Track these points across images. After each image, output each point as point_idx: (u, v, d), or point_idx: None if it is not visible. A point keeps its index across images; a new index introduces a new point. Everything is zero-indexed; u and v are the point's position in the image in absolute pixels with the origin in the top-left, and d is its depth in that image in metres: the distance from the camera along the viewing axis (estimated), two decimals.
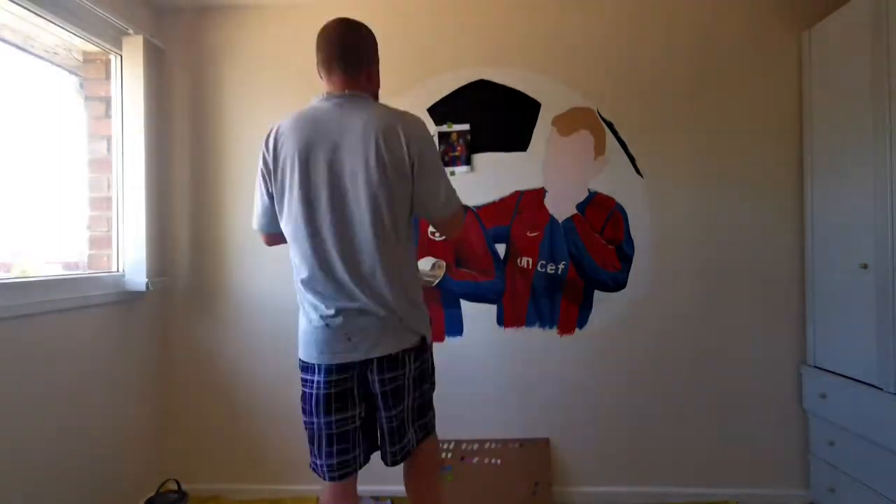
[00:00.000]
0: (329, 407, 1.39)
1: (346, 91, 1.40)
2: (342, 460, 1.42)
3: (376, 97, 1.52)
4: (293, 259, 1.44)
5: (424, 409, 1.56)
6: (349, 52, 1.42)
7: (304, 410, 1.45)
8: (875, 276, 1.80)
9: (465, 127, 2.28)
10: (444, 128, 2.29)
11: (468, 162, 2.27)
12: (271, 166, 1.40)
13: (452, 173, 2.26)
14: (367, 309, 1.37)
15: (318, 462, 1.43)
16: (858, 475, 1.90)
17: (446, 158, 2.28)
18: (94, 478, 1.97)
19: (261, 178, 1.45)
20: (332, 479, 1.42)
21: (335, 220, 1.35)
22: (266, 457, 2.34)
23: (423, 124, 1.44)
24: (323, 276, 1.38)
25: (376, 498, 2.23)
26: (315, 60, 1.46)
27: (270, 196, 1.44)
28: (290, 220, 1.40)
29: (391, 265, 1.38)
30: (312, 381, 1.42)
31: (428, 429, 1.58)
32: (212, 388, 2.36)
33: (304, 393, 1.46)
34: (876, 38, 1.78)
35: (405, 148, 1.35)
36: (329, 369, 1.39)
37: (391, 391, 1.43)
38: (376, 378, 1.41)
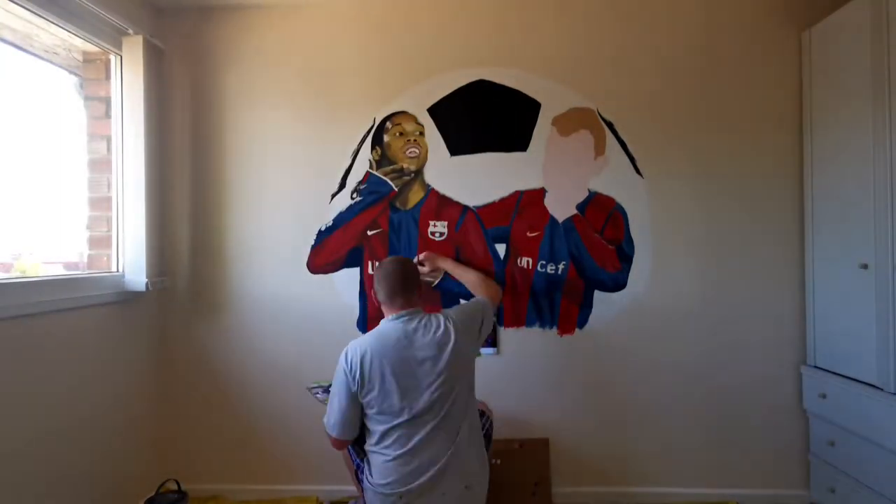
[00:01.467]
0: None
1: (407, 309, 1.75)
2: None
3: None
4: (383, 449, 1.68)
5: None
6: (406, 281, 1.78)
7: None
8: (875, 277, 1.80)
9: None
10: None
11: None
12: (359, 383, 1.66)
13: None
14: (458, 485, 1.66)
15: None
16: (859, 475, 1.90)
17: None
18: (94, 478, 1.97)
19: (346, 393, 1.68)
20: None
21: (432, 414, 1.65)
22: (266, 457, 2.34)
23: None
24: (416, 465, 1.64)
25: None
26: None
27: (357, 407, 1.69)
28: (389, 420, 1.65)
29: (478, 443, 1.74)
30: None
31: None
32: (212, 388, 2.36)
33: None
34: (876, 38, 1.78)
35: (467, 345, 1.76)
36: None
37: None
38: None
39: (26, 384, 1.69)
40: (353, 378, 1.66)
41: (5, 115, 1.92)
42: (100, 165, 2.21)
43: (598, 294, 2.27)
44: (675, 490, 2.25)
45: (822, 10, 2.11)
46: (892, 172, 1.73)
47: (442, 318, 1.76)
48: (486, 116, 2.28)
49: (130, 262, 2.17)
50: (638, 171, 2.26)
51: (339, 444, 1.75)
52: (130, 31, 2.14)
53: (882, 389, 1.79)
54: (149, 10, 2.30)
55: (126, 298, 2.16)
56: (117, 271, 2.19)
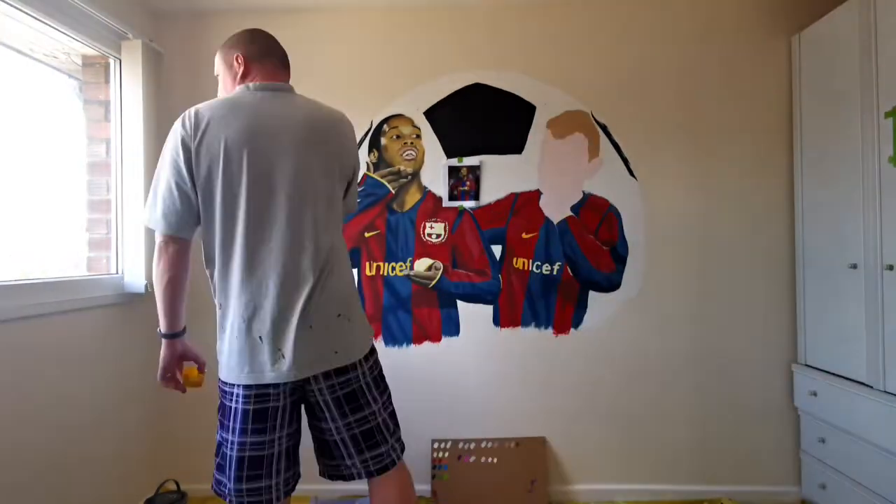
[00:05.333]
0: (246, 427, 1.23)
1: (280, 82, 1.36)
2: (253, 487, 1.24)
3: None
4: (221, 265, 1.35)
5: (395, 420, 1.41)
6: (284, 53, 1.47)
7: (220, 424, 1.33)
8: (864, 276, 1.84)
9: (476, 162, 2.30)
10: (454, 162, 2.30)
11: (476, 197, 2.30)
12: (195, 157, 1.25)
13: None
14: (319, 314, 1.25)
15: (227, 487, 1.26)
16: (849, 472, 1.93)
17: (455, 192, 2.30)
18: (94, 478, 1.99)
19: (178, 170, 1.27)
20: None
21: (286, 215, 1.24)
22: None
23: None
24: (267, 282, 1.26)
25: None
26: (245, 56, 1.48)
27: (190, 191, 1.28)
28: (225, 218, 1.28)
29: (343, 263, 1.33)
30: (232, 394, 1.28)
31: (402, 447, 1.40)
32: (211, 388, 2.36)
33: (223, 405, 1.33)
34: (864, 43, 1.81)
35: (351, 149, 1.39)
36: (250, 386, 1.24)
37: (344, 397, 1.27)
38: (323, 385, 1.26)
39: (26, 386, 1.70)
40: (186, 148, 1.26)
41: (5, 118, 1.93)
42: (99, 168, 2.22)
43: (592, 294, 2.30)
44: (668, 487, 2.28)
45: (810, 16, 2.15)
46: (879, 175, 1.76)
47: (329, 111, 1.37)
48: (481, 119, 2.31)
49: (129, 264, 2.18)
50: (632, 173, 2.29)
51: (169, 242, 1.38)
52: (130, 36, 2.15)
53: (872, 387, 1.82)
54: (148, 14, 2.32)
55: (125, 300, 2.17)
56: (116, 273, 2.21)
